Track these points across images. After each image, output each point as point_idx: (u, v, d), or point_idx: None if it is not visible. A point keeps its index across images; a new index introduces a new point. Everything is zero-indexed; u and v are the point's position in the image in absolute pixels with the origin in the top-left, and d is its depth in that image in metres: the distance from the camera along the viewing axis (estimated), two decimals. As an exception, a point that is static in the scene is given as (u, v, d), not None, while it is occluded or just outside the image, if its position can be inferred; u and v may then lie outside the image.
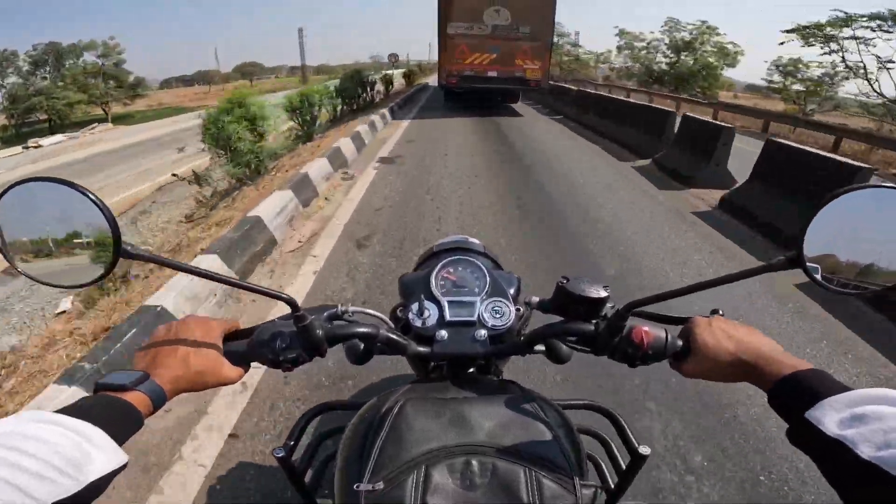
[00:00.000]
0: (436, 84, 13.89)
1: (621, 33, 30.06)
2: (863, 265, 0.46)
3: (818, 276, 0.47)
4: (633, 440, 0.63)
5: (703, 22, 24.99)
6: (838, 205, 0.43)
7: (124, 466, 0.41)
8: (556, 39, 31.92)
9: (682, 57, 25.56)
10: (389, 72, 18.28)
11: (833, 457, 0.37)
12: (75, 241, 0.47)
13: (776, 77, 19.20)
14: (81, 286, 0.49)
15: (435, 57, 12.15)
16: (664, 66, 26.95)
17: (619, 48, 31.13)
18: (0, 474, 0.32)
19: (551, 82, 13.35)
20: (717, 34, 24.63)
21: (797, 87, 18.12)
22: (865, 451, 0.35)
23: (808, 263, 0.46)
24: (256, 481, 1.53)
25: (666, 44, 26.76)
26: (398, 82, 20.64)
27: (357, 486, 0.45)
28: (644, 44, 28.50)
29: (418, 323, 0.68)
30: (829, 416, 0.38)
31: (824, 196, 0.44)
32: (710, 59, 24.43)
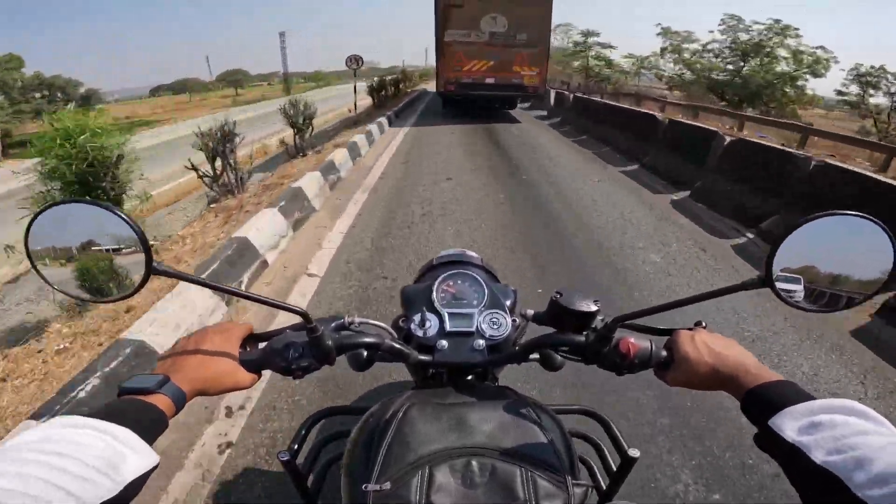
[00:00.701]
0: (431, 90, 13.86)
1: (665, 32, 24.46)
2: (828, 284, 0.51)
3: (786, 297, 0.51)
4: (624, 443, 0.67)
5: (776, 21, 19.82)
6: (806, 230, 0.48)
7: (157, 466, 0.42)
8: (583, 39, 30.81)
9: (749, 63, 20.09)
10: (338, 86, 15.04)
11: (792, 461, 0.40)
12: (109, 258, 0.50)
13: (853, 89, 15.67)
14: (112, 300, 0.52)
15: (432, 63, 12.16)
16: (725, 75, 21.54)
17: (663, 50, 25.15)
18: (44, 477, 0.33)
19: (579, 94, 12.82)
20: (794, 35, 19.19)
21: (878, 100, 15.07)
22: (818, 457, 0.38)
23: (776, 283, 0.50)
24: (261, 484, 1.56)
25: (730, 47, 21.17)
26: (361, 101, 14.34)
27: (365, 487, 0.48)
28: (696, 46, 22.71)
29: (420, 333, 0.71)
30: (789, 424, 0.42)
31: (793, 223, 0.48)
32: (784, 67, 19.18)
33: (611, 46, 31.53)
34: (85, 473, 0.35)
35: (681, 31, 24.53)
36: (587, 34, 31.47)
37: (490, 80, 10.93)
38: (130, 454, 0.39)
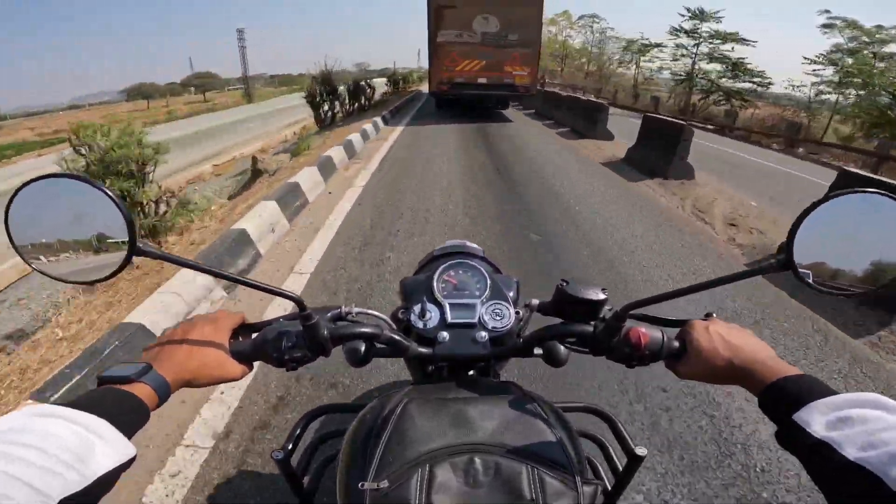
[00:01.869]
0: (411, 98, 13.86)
1: (850, 26, 15.11)
2: (850, 268, 0.48)
3: (808, 279, 0.48)
4: (630, 442, 0.65)
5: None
6: (826, 209, 0.45)
7: (133, 459, 0.40)
8: (693, 25, 22.43)
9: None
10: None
11: (819, 458, 0.39)
12: (90, 237, 0.47)
13: None
14: (94, 282, 0.49)
15: (424, 64, 12.25)
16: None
17: (832, 59, 15.34)
18: (6, 470, 0.31)
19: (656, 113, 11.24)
20: None
21: None
22: (850, 452, 0.36)
23: (797, 266, 0.47)
24: (254, 483, 1.52)
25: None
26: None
27: (362, 486, 0.46)
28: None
29: (420, 325, 0.69)
30: (816, 419, 0.40)
31: (812, 203, 0.46)
32: None
33: (744, 40, 20.36)
34: (50, 465, 0.33)
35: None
36: (699, 15, 21.23)
37: (482, 80, 11.07)
38: (103, 446, 0.37)
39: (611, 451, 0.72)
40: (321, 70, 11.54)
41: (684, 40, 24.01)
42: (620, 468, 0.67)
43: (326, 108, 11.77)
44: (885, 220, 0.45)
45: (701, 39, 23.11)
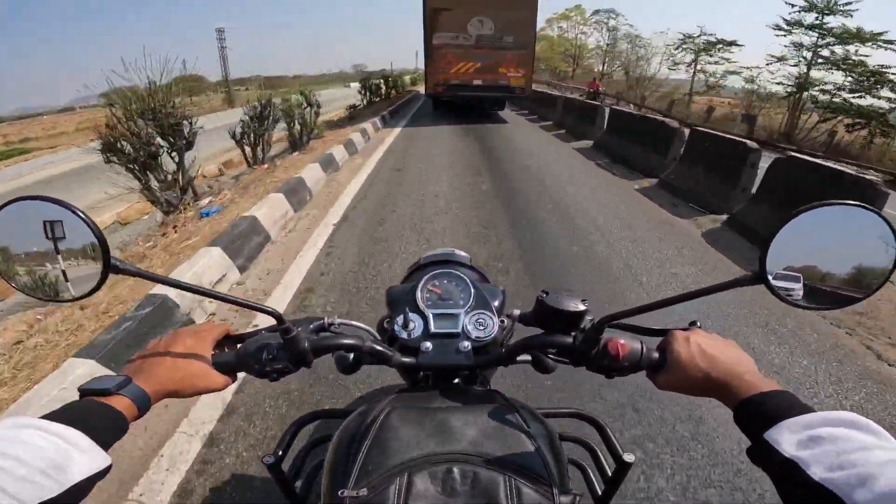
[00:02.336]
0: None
1: None
2: (825, 279, 0.48)
3: (781, 292, 0.48)
4: (619, 447, 0.65)
5: None
6: (800, 221, 0.45)
7: (108, 469, 0.41)
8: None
9: None
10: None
11: (787, 476, 0.38)
12: (66, 256, 0.48)
13: None
14: (73, 300, 0.50)
15: (422, 65, 12.29)
16: None
17: None
18: None
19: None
20: None
21: None
22: (816, 472, 0.35)
23: (770, 278, 0.47)
24: (246, 489, 1.53)
25: None
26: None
27: (342, 493, 0.47)
28: None
29: (403, 335, 0.69)
30: (786, 437, 0.40)
31: (787, 214, 0.45)
32: None
33: (889, 43, 13.76)
34: (25, 474, 0.34)
35: None
36: (820, 6, 14.56)
37: (478, 82, 11.15)
38: (78, 455, 0.38)
39: (600, 455, 0.72)
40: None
41: (798, 37, 16.44)
42: (610, 473, 0.68)
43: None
44: (855, 231, 0.45)
45: (828, 38, 15.57)
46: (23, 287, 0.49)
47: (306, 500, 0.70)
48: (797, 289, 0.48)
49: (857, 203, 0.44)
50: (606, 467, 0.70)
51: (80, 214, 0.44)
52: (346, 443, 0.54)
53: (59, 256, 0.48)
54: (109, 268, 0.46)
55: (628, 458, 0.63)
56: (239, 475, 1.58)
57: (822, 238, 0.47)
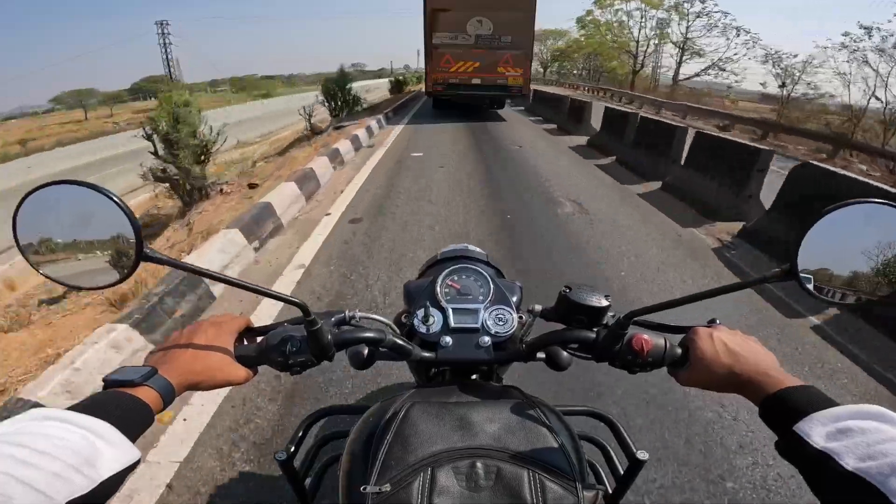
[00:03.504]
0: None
1: None
2: (854, 277, 0.48)
3: (811, 288, 0.49)
4: (632, 445, 0.65)
5: None
6: (831, 219, 0.45)
7: (137, 463, 0.40)
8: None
9: None
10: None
11: (819, 469, 0.39)
12: (97, 243, 0.47)
13: None
14: (101, 288, 0.49)
15: (423, 65, 12.37)
16: None
17: None
18: (12, 472, 0.31)
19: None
20: None
21: None
22: (849, 463, 0.36)
23: (801, 275, 0.47)
24: (257, 484, 1.52)
25: None
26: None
27: (364, 489, 0.46)
28: None
29: (423, 329, 0.69)
30: (816, 430, 0.40)
31: (819, 211, 0.46)
32: None
33: None
34: (57, 469, 0.33)
35: None
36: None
37: (476, 81, 11.27)
38: (108, 449, 0.37)
39: (612, 454, 0.72)
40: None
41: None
42: (622, 471, 0.68)
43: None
44: (888, 229, 0.45)
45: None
46: (51, 273, 0.48)
47: (316, 497, 0.70)
48: (827, 286, 0.49)
49: (889, 202, 0.44)
50: (618, 464, 0.70)
51: (115, 199, 0.44)
52: (366, 438, 0.54)
53: (91, 243, 0.47)
54: (141, 255, 0.45)
55: (642, 455, 0.63)
56: (248, 472, 1.58)
57: (853, 236, 0.47)
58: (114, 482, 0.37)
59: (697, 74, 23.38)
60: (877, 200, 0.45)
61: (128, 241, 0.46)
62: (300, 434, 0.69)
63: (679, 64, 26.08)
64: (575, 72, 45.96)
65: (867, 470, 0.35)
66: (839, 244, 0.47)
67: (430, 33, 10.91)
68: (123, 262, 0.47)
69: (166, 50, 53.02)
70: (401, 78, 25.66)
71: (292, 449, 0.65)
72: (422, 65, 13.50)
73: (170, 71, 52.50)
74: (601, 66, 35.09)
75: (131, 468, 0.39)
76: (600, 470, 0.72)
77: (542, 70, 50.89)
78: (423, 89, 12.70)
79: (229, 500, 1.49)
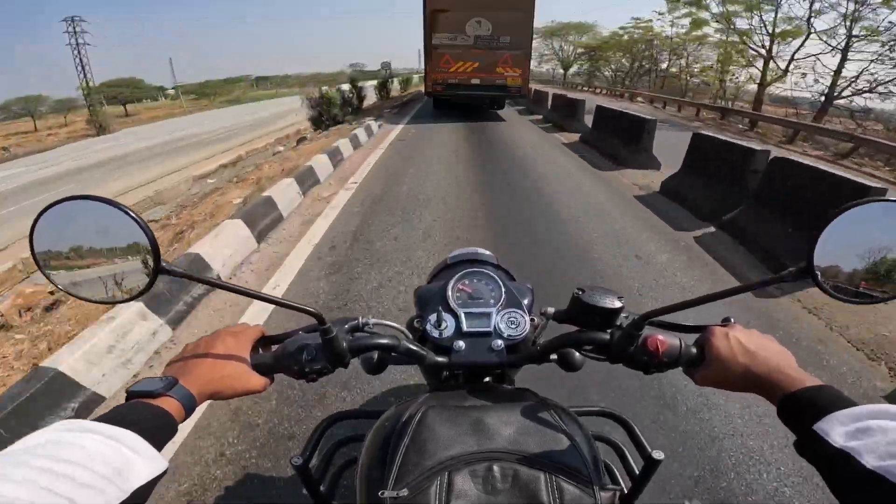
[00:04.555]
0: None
1: None
2: (871, 276, 0.48)
3: (828, 287, 0.49)
4: (647, 446, 0.65)
5: None
6: (847, 218, 0.45)
7: (165, 472, 0.40)
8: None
9: None
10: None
11: (839, 467, 0.39)
12: (115, 257, 0.47)
13: None
14: (119, 302, 0.49)
15: (423, 65, 12.40)
16: None
17: None
18: (47, 485, 0.31)
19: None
20: None
21: None
22: (870, 462, 0.36)
23: (817, 274, 0.47)
24: (272, 488, 1.53)
25: None
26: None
27: (382, 494, 0.46)
28: None
29: (436, 334, 0.69)
30: (836, 429, 0.40)
31: (832, 211, 0.46)
32: None
33: None
34: (91, 481, 0.33)
35: None
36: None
37: (475, 81, 11.30)
38: (138, 460, 0.38)
39: (627, 454, 0.72)
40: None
41: None
42: (637, 472, 0.68)
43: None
44: None
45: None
46: (68, 288, 0.48)
47: (331, 502, 0.70)
48: (843, 284, 0.49)
49: None
50: (633, 465, 0.70)
51: (132, 214, 0.44)
52: (382, 443, 0.54)
53: (108, 257, 0.47)
54: (159, 269, 0.45)
55: (657, 455, 0.63)
56: (264, 476, 1.58)
57: (868, 234, 0.47)
58: (143, 492, 0.37)
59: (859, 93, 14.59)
60: (891, 199, 0.45)
61: (146, 256, 0.46)
62: (316, 439, 0.69)
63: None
64: (608, 72, 37.88)
65: (888, 468, 0.35)
66: (855, 242, 0.47)
67: (430, 34, 10.95)
68: (141, 276, 0.47)
69: (78, 51, 45.24)
70: (386, 80, 21.30)
71: (308, 454, 0.65)
72: (412, 64, 13.38)
73: (85, 74, 45.26)
74: (656, 67, 28.86)
75: (159, 478, 0.40)
76: (615, 470, 0.72)
77: (562, 71, 44.69)
78: (423, 90, 12.71)
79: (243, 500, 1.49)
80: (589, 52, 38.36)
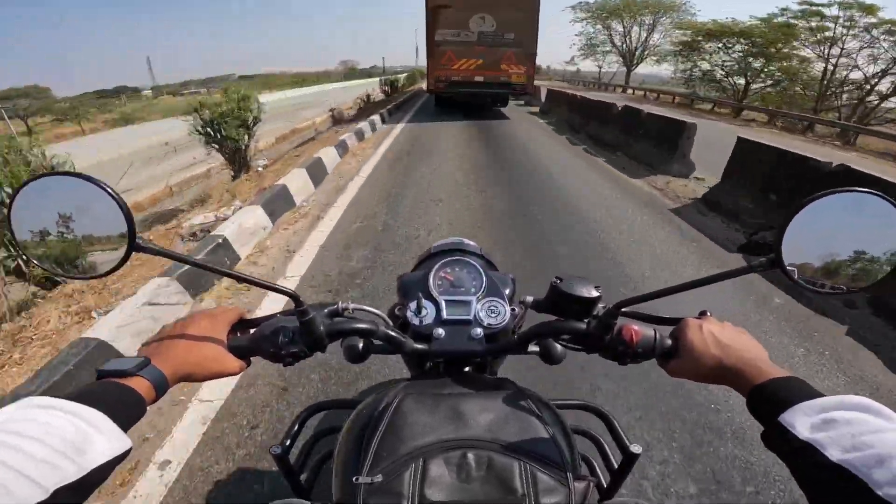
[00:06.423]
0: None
1: None
2: (838, 266, 0.49)
3: (795, 277, 0.49)
4: (626, 439, 0.66)
5: None
6: (814, 208, 0.46)
7: (128, 452, 0.40)
8: None
9: None
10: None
11: (803, 459, 0.39)
12: (90, 233, 0.48)
13: None
14: (92, 277, 0.50)
15: (422, 63, 12.31)
16: None
17: None
18: (2, 459, 0.31)
19: None
20: None
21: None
22: (834, 454, 0.36)
23: (785, 265, 0.48)
24: (252, 478, 1.53)
25: None
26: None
27: (356, 479, 0.47)
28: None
29: (416, 321, 0.69)
30: (801, 421, 0.40)
31: (801, 200, 0.46)
32: None
33: None
34: (47, 456, 0.33)
35: None
36: None
37: (479, 79, 11.19)
38: (100, 438, 0.37)
39: (606, 448, 0.73)
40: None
41: None
42: (616, 465, 0.68)
43: None
44: (872, 218, 0.46)
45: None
46: (44, 262, 0.48)
47: (312, 491, 0.71)
48: (811, 272, 0.49)
49: (871, 191, 0.45)
50: (612, 458, 0.70)
51: (109, 191, 0.44)
52: (359, 430, 0.54)
53: (84, 233, 0.48)
54: (133, 246, 0.46)
55: (635, 449, 0.64)
56: (243, 468, 1.59)
57: (835, 224, 0.47)
58: (103, 471, 0.37)
59: None
60: (859, 189, 0.45)
61: (121, 232, 0.46)
62: (295, 428, 0.69)
63: None
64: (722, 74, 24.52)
65: (852, 461, 0.35)
66: (822, 233, 0.48)
67: (432, 30, 10.84)
68: (117, 252, 0.48)
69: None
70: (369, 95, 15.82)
71: (287, 443, 0.66)
72: (422, 62, 13.24)
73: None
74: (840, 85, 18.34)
75: (122, 457, 0.40)
76: (594, 463, 0.72)
77: (624, 69, 32.84)
78: (425, 87, 12.61)
79: (227, 492, 1.50)
80: (691, 44, 25.04)
